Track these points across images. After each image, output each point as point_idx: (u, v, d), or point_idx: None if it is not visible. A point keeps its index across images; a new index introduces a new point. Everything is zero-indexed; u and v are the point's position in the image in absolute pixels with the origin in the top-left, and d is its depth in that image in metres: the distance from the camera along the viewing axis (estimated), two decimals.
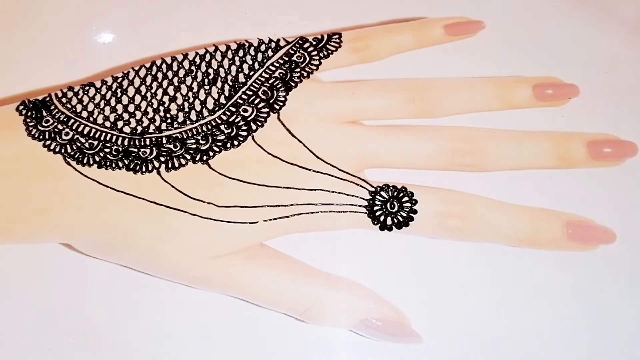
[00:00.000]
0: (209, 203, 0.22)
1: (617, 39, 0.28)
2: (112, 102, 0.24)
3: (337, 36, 0.26)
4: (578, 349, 0.21)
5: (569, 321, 0.22)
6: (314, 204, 0.23)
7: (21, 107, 0.24)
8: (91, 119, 0.24)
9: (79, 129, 0.23)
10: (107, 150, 0.23)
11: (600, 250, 0.22)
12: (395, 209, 0.23)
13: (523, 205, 0.23)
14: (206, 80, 0.25)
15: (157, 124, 0.24)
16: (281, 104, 0.24)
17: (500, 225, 0.23)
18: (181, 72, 0.25)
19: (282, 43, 0.26)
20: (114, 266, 0.23)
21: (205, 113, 0.24)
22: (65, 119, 0.23)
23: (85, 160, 0.23)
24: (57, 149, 0.23)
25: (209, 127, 0.24)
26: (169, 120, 0.24)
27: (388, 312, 0.22)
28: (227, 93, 0.24)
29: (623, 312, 0.22)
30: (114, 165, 0.23)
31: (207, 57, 0.25)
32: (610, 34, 0.28)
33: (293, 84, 0.25)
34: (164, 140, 0.23)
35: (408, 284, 0.23)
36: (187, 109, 0.24)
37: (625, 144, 0.23)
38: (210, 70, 0.25)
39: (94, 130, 0.23)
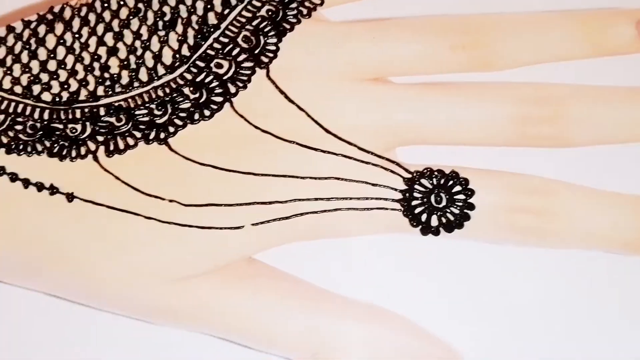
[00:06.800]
0: (170, 201, 0.20)
1: None
2: (24, 58, 0.21)
3: None
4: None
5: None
6: (324, 199, 0.20)
7: None
8: None
9: None
10: (18, 127, 0.20)
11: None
12: (444, 203, 0.20)
13: (626, 194, 0.20)
14: (160, 23, 0.22)
15: (90, 87, 0.21)
16: (271, 55, 0.21)
17: (597, 223, 0.20)
18: (124, 12, 0.22)
19: None
20: None
21: (161, 71, 0.21)
22: None
23: None
24: None
25: (167, 91, 0.21)
26: (107, 82, 0.21)
27: (434, 351, 0.20)
28: (191, 41, 0.22)
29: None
30: (29, 149, 0.20)
31: None
32: None
33: (287, 26, 0.22)
34: (102, 112, 0.21)
35: (461, 311, 0.21)
36: (134, 65, 0.21)
37: None
38: (166, 9, 0.22)
39: None
